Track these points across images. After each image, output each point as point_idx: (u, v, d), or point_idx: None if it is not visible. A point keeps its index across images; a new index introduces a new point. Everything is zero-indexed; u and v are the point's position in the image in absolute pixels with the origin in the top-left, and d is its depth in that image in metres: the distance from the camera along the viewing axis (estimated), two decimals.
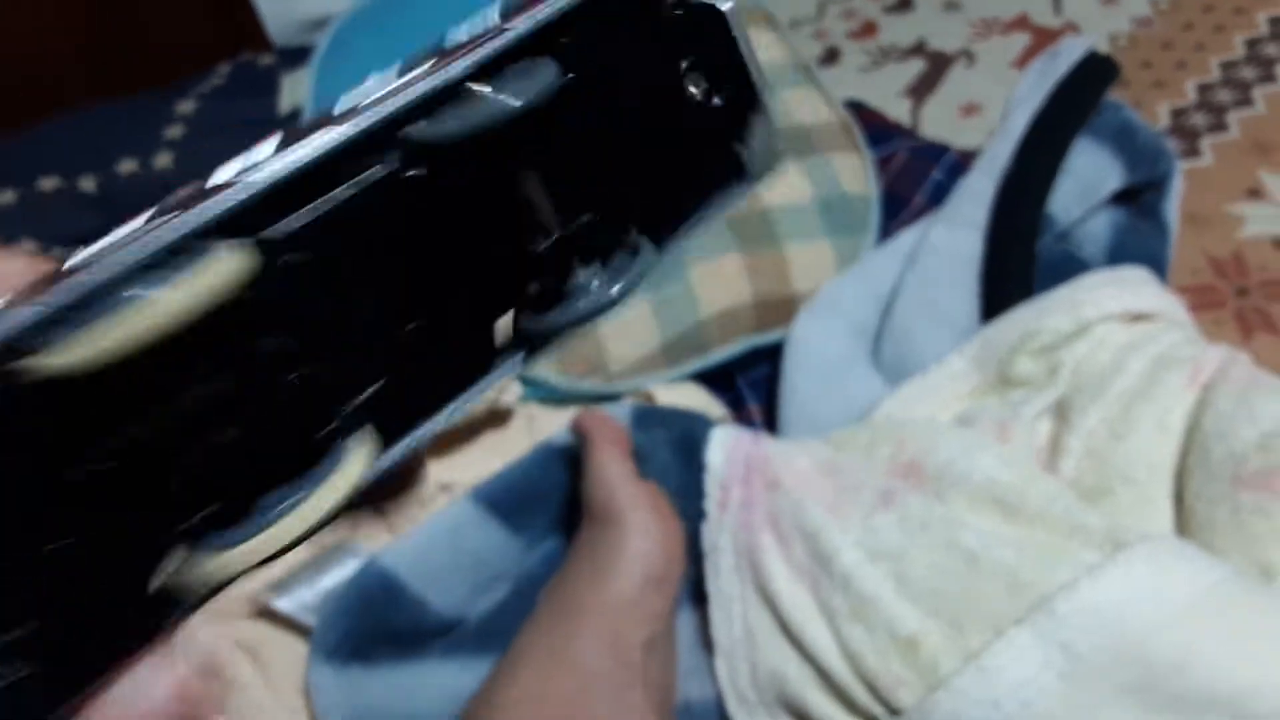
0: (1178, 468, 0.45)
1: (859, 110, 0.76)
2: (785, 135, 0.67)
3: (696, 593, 0.46)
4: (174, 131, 0.72)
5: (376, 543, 0.50)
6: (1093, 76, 0.61)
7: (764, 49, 0.71)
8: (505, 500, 0.49)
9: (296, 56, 0.76)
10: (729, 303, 0.61)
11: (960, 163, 0.69)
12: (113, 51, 0.99)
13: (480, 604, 0.49)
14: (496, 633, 0.45)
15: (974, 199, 0.59)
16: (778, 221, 0.63)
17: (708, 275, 0.61)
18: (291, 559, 0.48)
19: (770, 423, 0.61)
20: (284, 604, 0.48)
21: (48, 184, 0.67)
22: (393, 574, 0.48)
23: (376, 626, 0.47)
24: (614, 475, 0.44)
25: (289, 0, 0.91)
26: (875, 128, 0.74)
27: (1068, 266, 0.58)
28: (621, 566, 0.41)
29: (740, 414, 0.63)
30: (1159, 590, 0.37)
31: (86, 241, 0.15)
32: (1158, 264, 0.59)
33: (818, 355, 0.59)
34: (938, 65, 0.94)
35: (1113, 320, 0.50)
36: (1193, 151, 0.78)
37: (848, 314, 0.60)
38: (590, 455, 0.45)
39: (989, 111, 0.87)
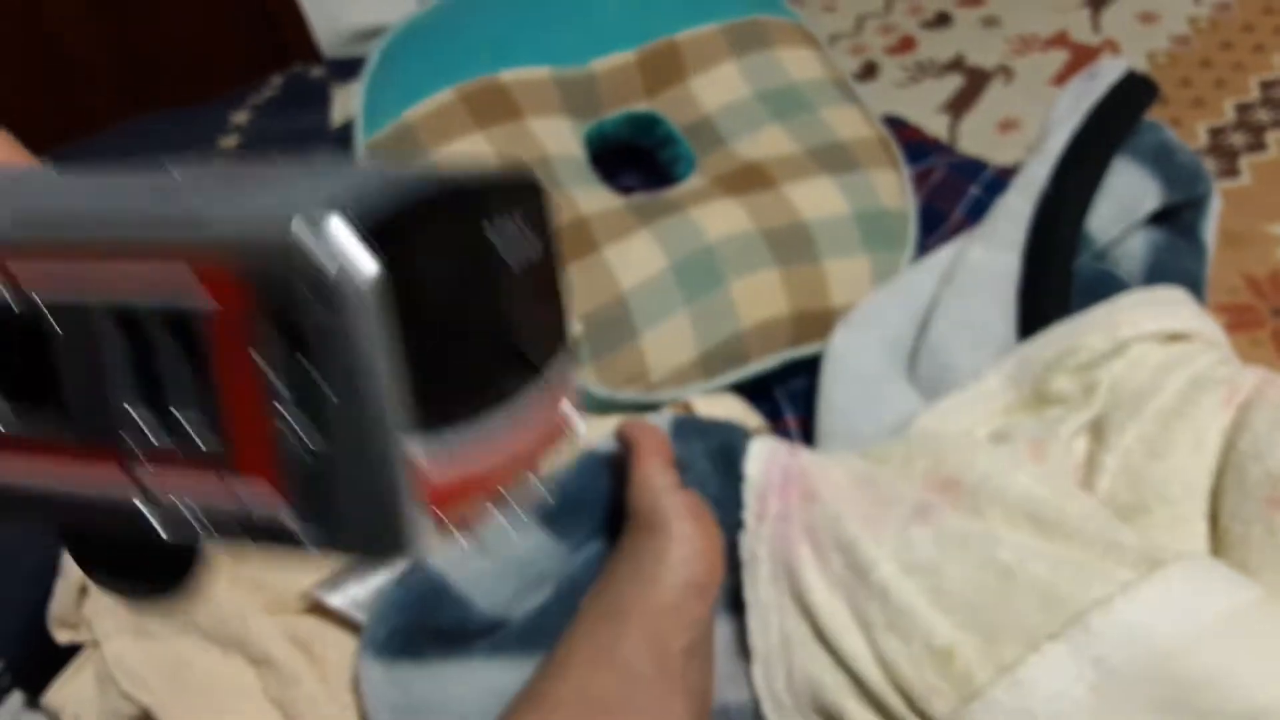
0: (1213, 488, 0.46)
1: (897, 125, 0.77)
2: (825, 151, 0.68)
3: (734, 601, 0.47)
4: (229, 141, 0.74)
5: None
6: (1131, 97, 0.62)
7: (802, 65, 0.73)
8: (549, 505, 0.51)
9: (347, 69, 0.78)
10: (767, 315, 0.63)
11: (998, 178, 0.70)
12: (147, 64, 1.00)
13: (524, 605, 0.50)
14: (539, 633, 0.47)
15: (1011, 218, 0.60)
16: (816, 236, 0.64)
17: (746, 288, 0.62)
18: None
19: (807, 434, 0.62)
20: (336, 600, 0.50)
21: None
22: (438, 573, 0.49)
23: (423, 623, 0.48)
24: (658, 484, 0.45)
25: (338, 11, 0.94)
26: (913, 143, 0.75)
27: (1105, 284, 0.59)
28: (665, 573, 0.42)
29: (777, 424, 0.64)
30: (1192, 609, 0.38)
31: None
32: (1195, 283, 0.60)
33: (855, 369, 0.60)
34: (976, 81, 0.95)
35: (1149, 340, 0.51)
36: (1231, 171, 0.78)
37: (885, 329, 0.61)
38: (635, 463, 0.47)
39: (1027, 127, 0.87)
